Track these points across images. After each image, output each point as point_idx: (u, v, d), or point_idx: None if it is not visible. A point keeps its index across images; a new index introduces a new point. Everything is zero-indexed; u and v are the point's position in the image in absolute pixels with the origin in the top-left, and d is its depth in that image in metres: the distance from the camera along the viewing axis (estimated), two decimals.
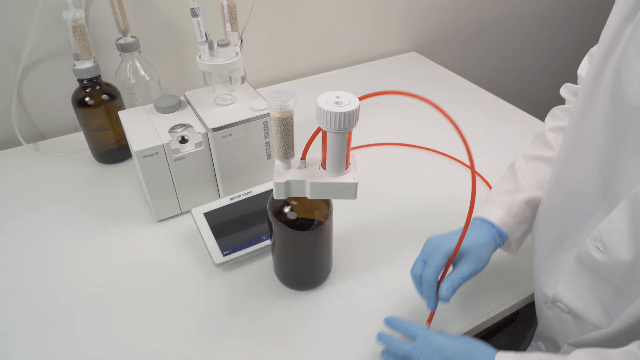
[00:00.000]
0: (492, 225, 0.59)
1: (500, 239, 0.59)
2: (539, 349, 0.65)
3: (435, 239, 0.57)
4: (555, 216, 0.55)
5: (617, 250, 0.45)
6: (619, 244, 0.44)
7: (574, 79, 0.66)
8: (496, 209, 0.60)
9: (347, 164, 0.53)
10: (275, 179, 0.52)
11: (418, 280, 0.56)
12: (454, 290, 0.53)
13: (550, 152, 0.63)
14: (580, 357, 0.43)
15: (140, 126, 0.71)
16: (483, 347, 0.49)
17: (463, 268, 0.55)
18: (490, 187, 0.83)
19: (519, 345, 0.80)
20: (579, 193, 0.51)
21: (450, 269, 0.56)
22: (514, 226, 0.59)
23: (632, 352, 0.41)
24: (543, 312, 0.58)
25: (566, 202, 0.53)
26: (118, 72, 0.87)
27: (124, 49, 0.85)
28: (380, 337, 0.54)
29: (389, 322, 0.55)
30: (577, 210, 0.51)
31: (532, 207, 0.61)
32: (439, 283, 0.54)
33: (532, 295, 0.66)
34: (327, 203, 0.59)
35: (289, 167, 0.54)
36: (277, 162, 0.54)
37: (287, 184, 0.52)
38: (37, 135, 0.99)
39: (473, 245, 0.56)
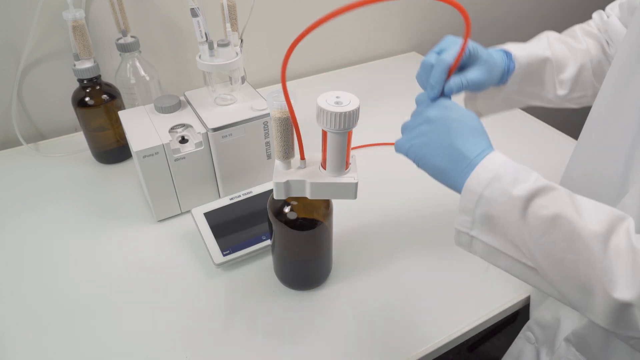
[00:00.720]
0: (507, 53, 0.59)
1: (508, 70, 0.59)
2: (528, 340, 0.65)
3: (453, 37, 0.54)
4: None
5: None
6: None
7: None
8: (513, 46, 0.60)
9: (347, 164, 0.53)
10: (275, 179, 0.52)
11: (429, 67, 0.52)
12: (461, 87, 0.52)
13: (576, 43, 0.64)
14: (576, 195, 0.41)
15: (140, 126, 0.71)
16: (485, 138, 0.47)
17: (475, 72, 0.53)
18: None
19: None
20: (604, 178, 0.50)
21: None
22: (519, 71, 0.59)
23: (625, 218, 0.39)
24: (546, 299, 0.58)
25: (590, 186, 0.53)
26: (118, 72, 0.87)
27: (124, 49, 0.85)
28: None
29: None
30: (597, 196, 0.51)
31: (541, 70, 0.61)
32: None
33: None
34: (327, 203, 0.59)
35: (289, 167, 0.54)
36: (277, 162, 0.54)
37: (287, 184, 0.52)
38: (37, 135, 0.99)
39: (487, 57, 0.54)
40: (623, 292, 0.36)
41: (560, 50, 0.62)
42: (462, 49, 0.48)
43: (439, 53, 0.52)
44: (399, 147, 0.50)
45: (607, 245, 0.37)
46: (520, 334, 0.66)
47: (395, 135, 0.97)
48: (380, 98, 1.11)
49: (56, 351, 0.58)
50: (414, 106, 0.55)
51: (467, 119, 0.47)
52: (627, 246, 0.37)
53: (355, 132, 0.51)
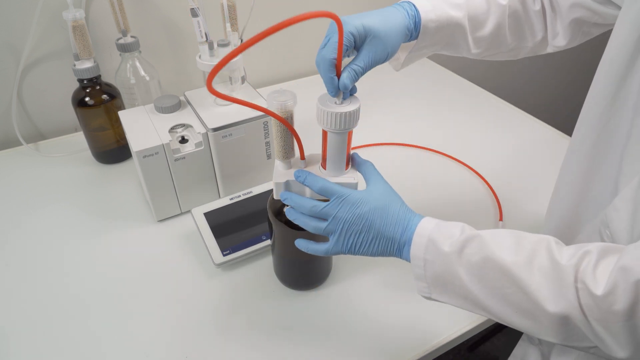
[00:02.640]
0: (412, 5, 0.54)
1: (415, 29, 0.54)
2: (531, 342, 0.64)
3: (345, 17, 0.48)
4: (573, 200, 0.55)
5: (619, 239, 0.44)
6: (619, 232, 0.44)
7: (572, 79, 0.66)
8: (423, 4, 0.55)
9: (347, 164, 0.53)
10: (275, 179, 0.52)
11: (322, 62, 0.47)
12: (355, 77, 0.48)
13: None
14: (498, 232, 0.45)
15: (140, 126, 0.71)
16: (404, 206, 0.49)
17: (365, 53, 0.49)
18: (490, 186, 0.83)
19: None
20: (597, 179, 0.50)
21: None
22: (426, 36, 0.55)
23: (544, 239, 0.42)
24: None
25: (583, 187, 0.53)
26: (118, 72, 0.87)
27: (124, 49, 0.85)
28: (286, 195, 0.51)
29: (298, 175, 0.51)
30: (590, 199, 0.51)
31: (452, 35, 0.58)
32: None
33: None
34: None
35: (289, 167, 0.54)
36: (277, 162, 0.54)
37: (287, 184, 0.53)
38: (37, 135, 0.99)
39: (380, 30, 0.49)
40: (555, 306, 0.39)
41: (480, 5, 0.58)
42: (340, 42, 0.45)
43: (325, 45, 0.48)
44: (333, 252, 0.50)
45: (532, 268, 0.40)
46: (524, 335, 0.66)
47: (395, 135, 0.97)
48: (380, 98, 1.11)
49: (56, 351, 0.58)
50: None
51: (380, 203, 0.48)
52: (549, 263, 0.40)
53: (355, 132, 0.51)
